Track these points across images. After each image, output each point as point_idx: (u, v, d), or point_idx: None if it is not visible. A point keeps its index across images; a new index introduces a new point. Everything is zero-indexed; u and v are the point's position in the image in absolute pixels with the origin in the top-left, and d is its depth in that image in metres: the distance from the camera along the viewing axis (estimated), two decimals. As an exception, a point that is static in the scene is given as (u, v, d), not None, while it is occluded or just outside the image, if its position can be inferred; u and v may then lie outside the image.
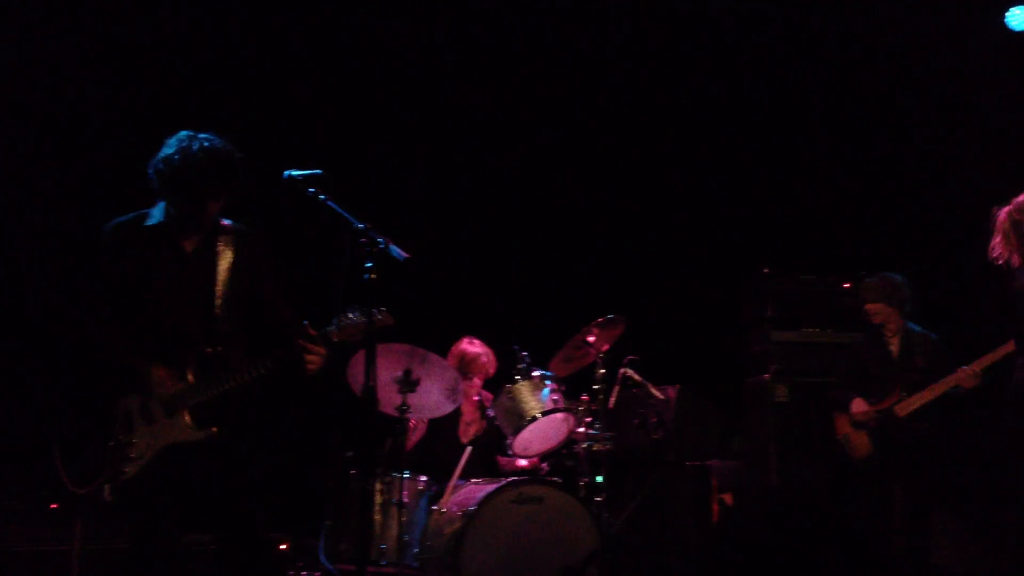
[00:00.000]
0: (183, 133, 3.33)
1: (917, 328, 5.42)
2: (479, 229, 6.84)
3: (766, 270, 6.44)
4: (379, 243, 3.13)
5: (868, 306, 5.38)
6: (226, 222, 3.48)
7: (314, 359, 3.36)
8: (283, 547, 4.82)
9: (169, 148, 3.30)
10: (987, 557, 5.61)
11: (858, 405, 5.24)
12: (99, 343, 3.34)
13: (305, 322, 3.39)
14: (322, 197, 3.21)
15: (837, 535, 4.83)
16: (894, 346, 5.38)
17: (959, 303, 6.38)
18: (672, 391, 6.14)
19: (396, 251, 3.14)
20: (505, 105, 6.98)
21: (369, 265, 3.12)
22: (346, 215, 3.15)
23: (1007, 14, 6.85)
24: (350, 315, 3.38)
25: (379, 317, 3.40)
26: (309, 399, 5.13)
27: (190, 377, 3.34)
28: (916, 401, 5.11)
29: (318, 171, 3.23)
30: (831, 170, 7.59)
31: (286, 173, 3.28)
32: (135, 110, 5.92)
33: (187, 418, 3.31)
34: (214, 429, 3.34)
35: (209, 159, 3.26)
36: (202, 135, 3.31)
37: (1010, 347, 4.76)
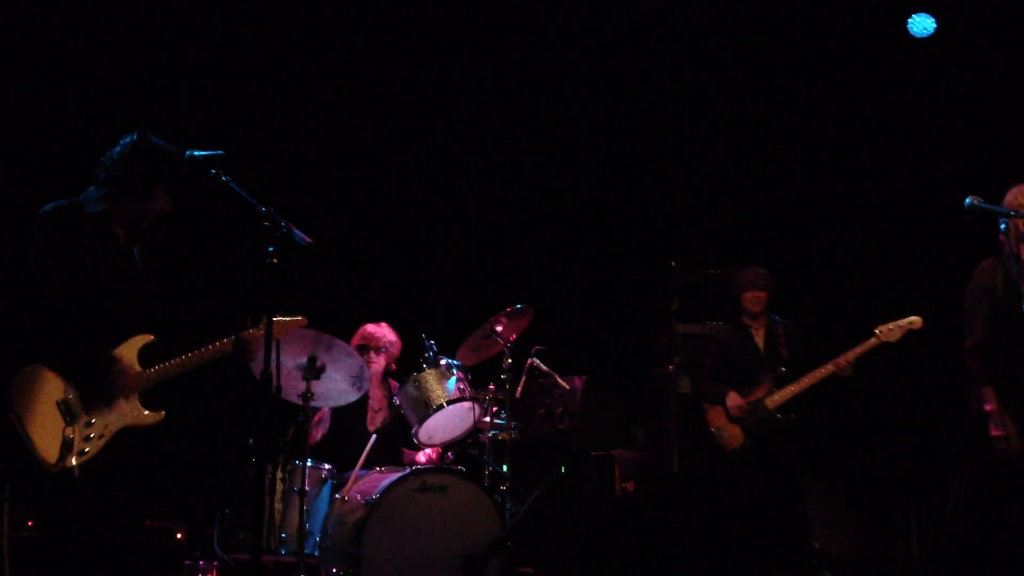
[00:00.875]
0: (136, 133, 3.44)
1: (778, 318, 5.57)
2: (387, 217, 6.78)
3: (672, 263, 6.53)
4: (281, 227, 3.07)
5: (756, 294, 5.46)
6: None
7: (254, 352, 3.54)
8: (179, 536, 4.70)
9: (122, 147, 3.42)
10: (864, 538, 5.85)
11: (733, 399, 5.32)
12: (59, 325, 3.32)
13: (249, 318, 3.53)
14: (224, 178, 3.14)
15: (730, 525, 4.93)
16: (759, 338, 5.50)
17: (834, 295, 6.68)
18: (578, 381, 6.19)
19: (299, 235, 3.10)
20: (417, 90, 6.92)
21: (271, 249, 3.06)
22: (248, 198, 3.08)
23: (909, 20, 7.09)
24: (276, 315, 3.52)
25: (299, 318, 3.75)
26: (207, 386, 5.01)
27: (137, 363, 3.42)
28: (786, 394, 5.25)
29: (219, 152, 3.15)
30: (738, 165, 7.75)
31: (187, 153, 3.20)
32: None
33: (139, 402, 3.41)
34: (162, 413, 3.45)
35: (160, 161, 3.38)
36: (154, 138, 3.43)
37: (875, 342, 4.99)
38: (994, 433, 4.12)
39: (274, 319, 3.55)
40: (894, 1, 7.02)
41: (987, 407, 4.14)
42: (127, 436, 3.38)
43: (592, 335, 6.91)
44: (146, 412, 3.43)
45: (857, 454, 6.47)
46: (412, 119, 6.90)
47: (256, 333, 3.53)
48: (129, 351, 3.40)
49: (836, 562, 5.82)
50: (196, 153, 3.21)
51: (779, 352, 5.41)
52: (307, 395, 4.63)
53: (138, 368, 3.40)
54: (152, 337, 3.45)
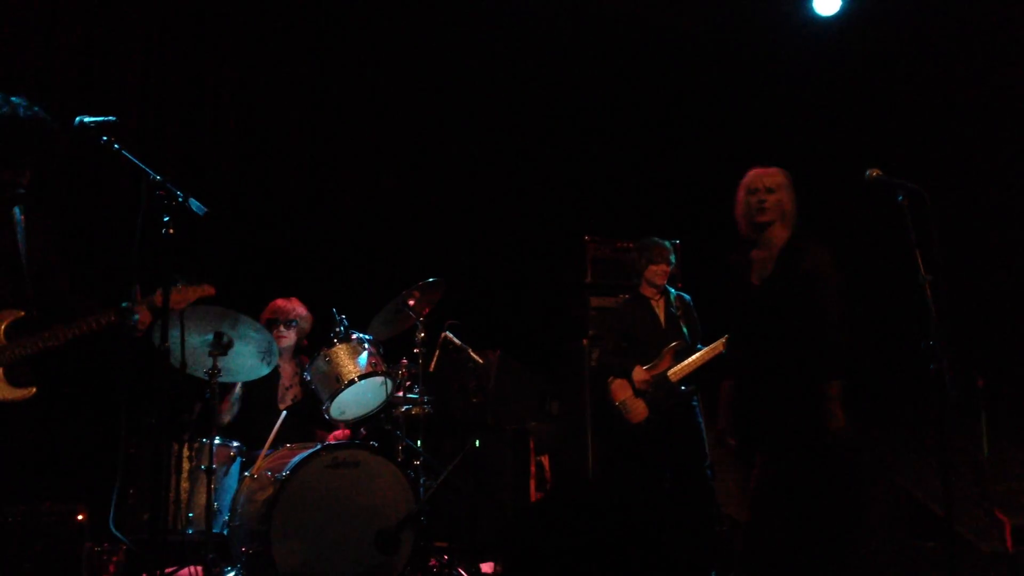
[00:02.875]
0: (7, 103, 3.23)
1: (674, 291, 5.67)
2: (297, 189, 6.64)
3: (586, 237, 6.57)
4: (177, 196, 2.97)
5: (661, 267, 5.52)
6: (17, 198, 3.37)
7: (143, 322, 3.40)
8: (80, 518, 4.55)
9: None
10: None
11: (639, 373, 5.38)
12: None
13: (138, 286, 3.39)
14: (116, 146, 3.02)
15: (646, 497, 4.99)
16: (660, 310, 5.58)
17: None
18: (492, 355, 6.18)
19: (196, 205, 3.00)
20: (326, 58, 6.79)
21: (167, 219, 2.96)
22: (142, 166, 2.97)
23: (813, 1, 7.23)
24: (178, 283, 3.44)
25: (204, 287, 3.59)
26: (108, 364, 4.86)
27: (2, 337, 3.25)
28: (687, 367, 5.34)
29: (112, 118, 3.03)
30: (649, 140, 7.83)
31: (77, 119, 3.07)
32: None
33: (3, 377, 3.24)
34: (32, 389, 3.29)
35: (14, 126, 3.18)
36: (14, 99, 3.22)
37: None
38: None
39: (178, 287, 3.46)
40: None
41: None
42: None
43: (505, 309, 6.91)
44: (11, 388, 3.26)
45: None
46: (323, 89, 6.77)
47: (154, 300, 3.41)
48: None
49: (744, 530, 5.96)
50: (87, 120, 3.07)
51: (678, 325, 5.49)
52: (214, 371, 4.53)
53: (3, 341, 3.24)
54: (22, 313, 3.29)
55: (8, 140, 3.17)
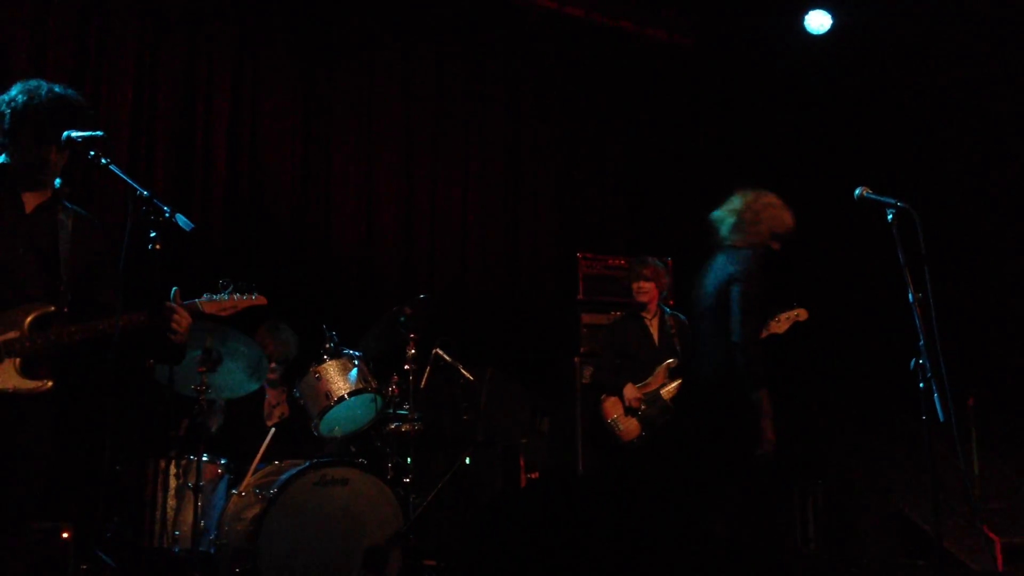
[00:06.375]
0: (32, 81, 3.21)
1: (668, 310, 5.67)
2: (289, 202, 6.61)
3: (578, 253, 6.57)
4: (164, 212, 2.95)
5: (643, 284, 5.54)
6: (68, 205, 3.33)
7: (181, 327, 3.25)
8: (65, 535, 4.51)
9: (14, 91, 3.19)
10: (762, 525, 5.97)
11: (630, 391, 5.38)
12: None
13: (175, 288, 3.30)
14: (104, 160, 3.00)
15: (636, 515, 4.97)
16: (654, 328, 5.59)
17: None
18: (483, 372, 6.16)
19: (183, 220, 2.97)
20: (314, 78, 6.79)
21: (153, 235, 2.94)
22: (129, 181, 2.96)
23: (805, 18, 7.28)
24: (224, 291, 3.39)
25: (254, 296, 3.47)
26: (97, 379, 4.82)
27: (26, 327, 3.14)
28: (680, 385, 5.34)
29: (99, 132, 3.02)
30: (643, 158, 7.85)
31: (64, 134, 3.05)
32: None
33: (18, 367, 3.12)
34: (48, 383, 3.17)
35: (56, 103, 3.15)
36: (53, 84, 3.20)
37: (764, 333, 5.09)
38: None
39: (216, 299, 3.41)
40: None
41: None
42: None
43: (496, 325, 6.90)
44: (24, 379, 3.14)
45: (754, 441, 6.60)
46: (314, 100, 6.74)
47: (199, 305, 3.35)
48: (20, 315, 3.14)
49: (733, 547, 5.93)
50: (74, 134, 3.06)
51: (672, 343, 5.49)
52: (202, 387, 4.50)
53: (26, 331, 3.13)
54: (52, 308, 3.19)
55: (54, 115, 3.13)
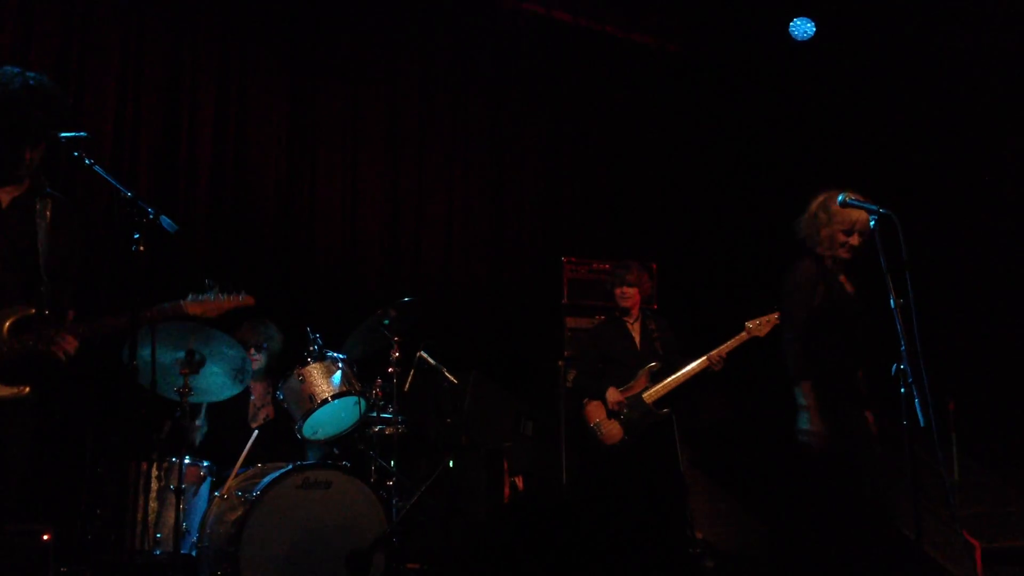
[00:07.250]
0: (7, 68, 3.10)
1: (650, 313, 5.70)
2: (273, 205, 6.60)
3: (563, 258, 6.58)
4: (148, 213, 2.94)
5: (626, 289, 5.55)
6: (47, 191, 3.24)
7: (66, 351, 3.18)
8: (45, 538, 4.48)
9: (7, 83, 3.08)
10: (746, 530, 6.00)
11: (613, 395, 5.39)
12: None
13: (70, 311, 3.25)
14: (88, 161, 2.98)
15: (619, 519, 4.97)
16: (636, 332, 5.60)
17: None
18: (467, 375, 6.16)
19: (167, 222, 2.96)
20: (300, 82, 6.78)
21: (136, 236, 2.93)
22: (114, 182, 2.95)
23: (791, 24, 7.32)
24: (209, 291, 3.36)
25: (241, 297, 3.43)
26: (77, 381, 4.80)
27: (5, 331, 3.08)
28: (662, 388, 5.35)
29: (83, 133, 3.00)
30: (627, 164, 7.87)
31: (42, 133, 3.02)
32: None
33: None
34: (26, 388, 3.11)
35: (30, 96, 3.04)
36: (29, 72, 3.10)
37: (745, 336, 5.13)
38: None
39: (210, 295, 3.38)
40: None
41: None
42: None
43: (481, 328, 6.90)
44: (3, 386, 3.08)
45: (739, 445, 6.63)
46: (300, 101, 6.73)
47: (183, 307, 3.34)
48: None
49: (718, 552, 5.96)
50: (59, 135, 3.03)
51: (654, 347, 5.50)
52: (184, 390, 4.48)
53: (4, 337, 3.08)
54: (33, 310, 3.13)
55: (24, 111, 3.02)
